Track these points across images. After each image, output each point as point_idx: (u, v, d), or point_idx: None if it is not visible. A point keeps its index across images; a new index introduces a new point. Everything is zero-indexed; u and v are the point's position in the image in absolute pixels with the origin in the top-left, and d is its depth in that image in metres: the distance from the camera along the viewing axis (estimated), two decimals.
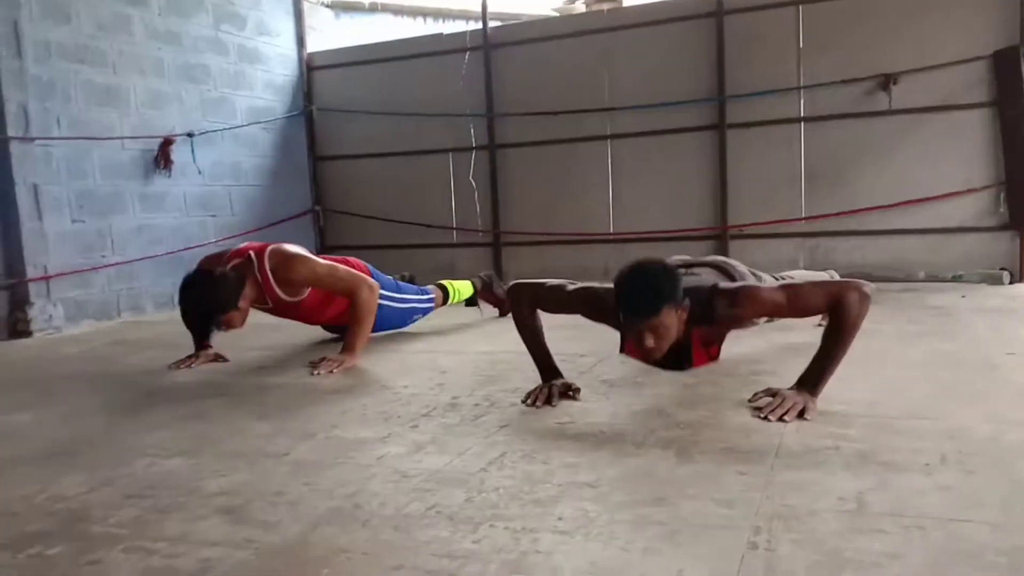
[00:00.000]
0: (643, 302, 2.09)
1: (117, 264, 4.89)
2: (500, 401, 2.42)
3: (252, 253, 3.14)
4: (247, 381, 2.94)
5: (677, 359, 2.34)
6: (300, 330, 4.05)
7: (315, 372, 2.97)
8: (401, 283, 3.77)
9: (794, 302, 2.22)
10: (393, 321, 3.69)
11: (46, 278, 4.45)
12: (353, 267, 3.48)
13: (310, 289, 3.22)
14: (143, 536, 1.52)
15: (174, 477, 1.86)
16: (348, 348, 3.10)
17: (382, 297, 3.53)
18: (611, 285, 2.20)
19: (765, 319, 2.85)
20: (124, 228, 4.95)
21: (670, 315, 2.10)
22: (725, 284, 2.31)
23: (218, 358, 3.29)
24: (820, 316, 3.36)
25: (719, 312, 2.22)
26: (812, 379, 2.15)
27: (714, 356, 2.54)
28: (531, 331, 2.51)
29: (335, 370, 2.98)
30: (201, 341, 3.30)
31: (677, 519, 1.47)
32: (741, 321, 2.42)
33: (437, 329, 3.90)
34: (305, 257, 3.18)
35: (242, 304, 3.05)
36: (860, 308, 2.10)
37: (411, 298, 3.74)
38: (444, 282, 4.05)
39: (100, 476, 1.89)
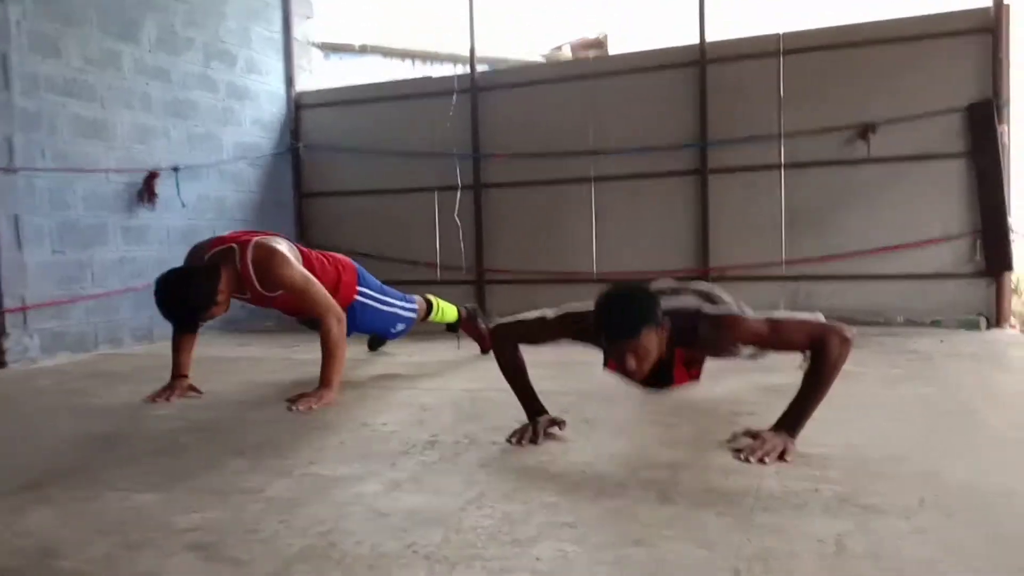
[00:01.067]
0: (623, 324, 2.10)
1: (97, 296, 4.84)
2: (480, 439, 2.40)
3: (236, 244, 3.12)
4: (224, 415, 2.90)
5: (658, 378, 2.34)
6: (279, 365, 4.02)
7: (293, 408, 2.94)
8: (386, 287, 3.75)
9: (775, 335, 2.23)
10: (375, 324, 3.65)
11: (23, 308, 4.40)
12: (341, 264, 3.51)
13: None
14: (113, 573, 1.49)
15: (146, 512, 1.83)
16: (324, 383, 3.07)
17: (366, 296, 3.55)
18: (591, 305, 2.21)
19: (747, 351, 2.85)
20: (105, 260, 4.92)
21: (650, 337, 2.11)
22: (709, 308, 2.32)
23: (193, 389, 3.25)
24: (802, 357, 3.39)
25: (701, 335, 2.24)
26: (791, 421, 2.15)
27: (695, 376, 2.54)
28: (515, 370, 2.49)
29: (314, 406, 2.95)
30: (185, 333, 3.28)
31: (657, 560, 1.46)
32: (722, 347, 2.41)
33: (418, 366, 3.88)
34: (286, 259, 3.13)
35: (220, 297, 3.03)
36: (840, 351, 2.12)
37: (395, 303, 3.72)
38: (431, 296, 4.03)
39: (70, 511, 1.85)
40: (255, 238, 3.16)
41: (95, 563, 1.54)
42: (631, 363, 2.12)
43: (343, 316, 3.19)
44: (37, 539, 1.68)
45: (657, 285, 2.56)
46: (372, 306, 3.58)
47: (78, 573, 1.49)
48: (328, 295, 3.20)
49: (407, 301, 3.81)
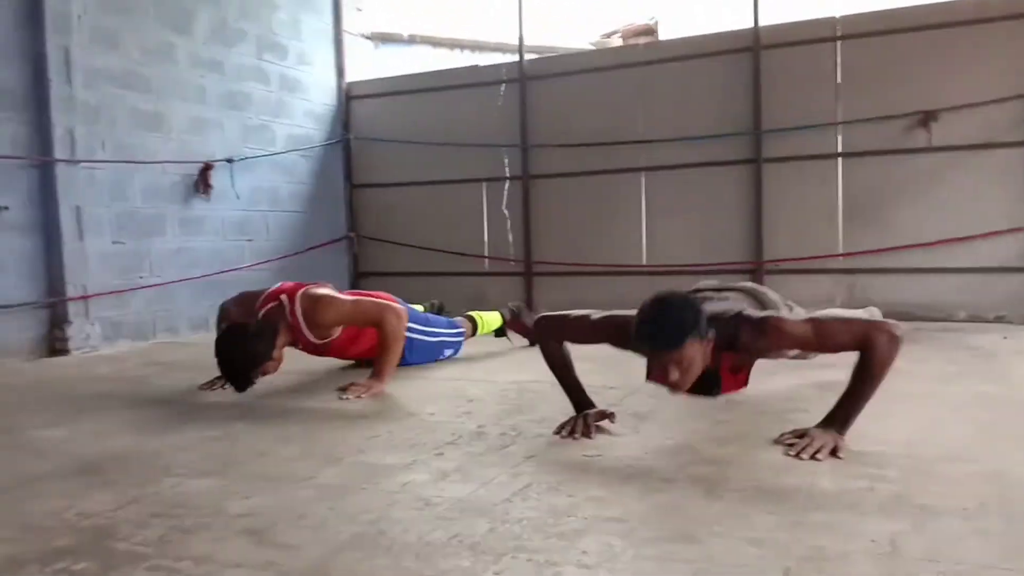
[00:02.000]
0: (665, 335, 2.05)
1: (155, 285, 4.97)
2: (527, 431, 2.40)
3: (284, 297, 3.18)
4: (275, 404, 2.96)
5: (705, 386, 2.29)
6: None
7: (343, 397, 2.98)
8: (430, 316, 3.79)
9: (820, 336, 2.18)
10: (423, 354, 3.69)
11: (85, 297, 4.53)
12: (386, 299, 3.49)
13: (340, 328, 3.27)
14: (167, 555, 1.53)
15: (200, 497, 1.87)
16: (377, 374, 3.11)
17: (411, 330, 3.54)
18: (635, 312, 2.18)
19: (793, 353, 2.80)
20: (163, 250, 5.04)
21: (694, 347, 2.06)
22: (751, 312, 2.27)
23: None
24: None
25: (743, 340, 2.19)
26: (839, 418, 2.10)
27: (742, 382, 2.49)
28: (560, 364, 2.48)
29: (363, 395, 2.99)
30: (240, 392, 3.32)
31: (705, 557, 1.44)
32: (765, 351, 2.37)
33: (466, 356, 3.90)
34: (332, 298, 3.22)
35: (276, 354, 3.06)
36: (889, 350, 2.06)
37: (440, 331, 3.77)
38: (473, 313, 4.07)
39: (127, 494, 1.90)
40: (302, 289, 3.22)
41: (150, 545, 1.58)
42: (674, 375, 2.08)
43: (402, 311, 3.25)
44: (94, 521, 1.73)
45: (703, 284, 2.51)
46: (419, 339, 3.63)
47: (133, 555, 1.53)
48: (379, 301, 3.28)
49: (452, 327, 3.86)
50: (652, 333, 2.07)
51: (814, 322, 2.20)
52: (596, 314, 2.42)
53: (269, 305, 3.20)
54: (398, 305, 3.29)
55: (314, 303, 3.16)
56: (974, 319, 4.86)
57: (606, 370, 3.13)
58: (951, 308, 4.94)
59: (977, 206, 4.85)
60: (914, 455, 2.03)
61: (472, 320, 4.01)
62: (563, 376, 2.48)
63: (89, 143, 4.57)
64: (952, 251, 4.92)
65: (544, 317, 2.53)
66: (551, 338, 2.48)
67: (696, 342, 2.06)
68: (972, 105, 4.78)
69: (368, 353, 3.40)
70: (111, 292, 4.70)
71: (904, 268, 5.04)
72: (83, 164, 4.52)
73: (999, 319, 4.80)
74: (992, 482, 1.80)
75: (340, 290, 3.48)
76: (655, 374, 2.13)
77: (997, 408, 2.57)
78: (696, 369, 2.11)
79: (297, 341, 3.22)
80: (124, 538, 1.62)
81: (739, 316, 2.21)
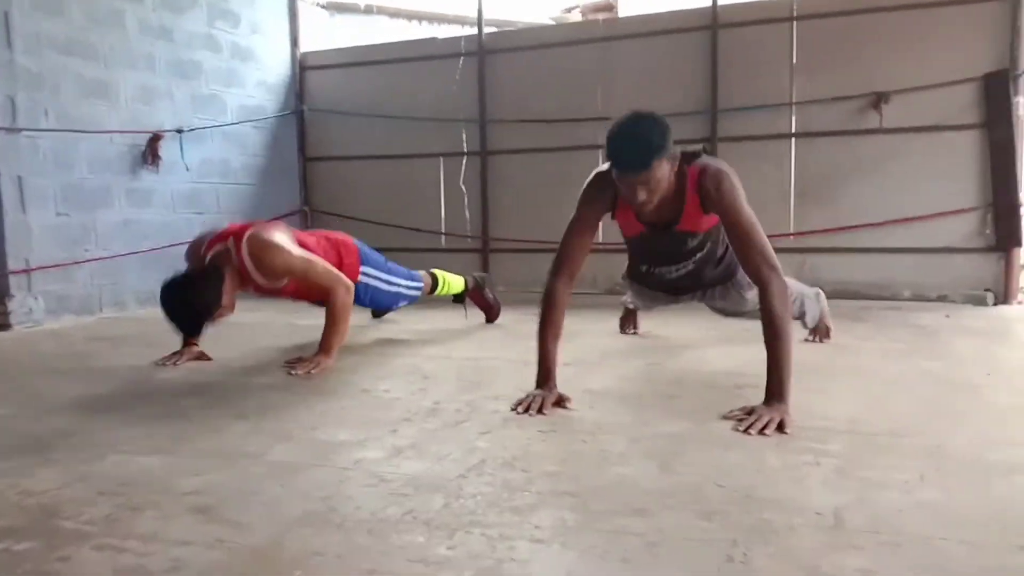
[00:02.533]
0: (635, 155, 2.13)
1: (101, 259, 4.84)
2: (482, 407, 2.41)
3: (230, 240, 3.08)
4: (228, 380, 2.92)
5: (668, 220, 2.41)
6: (285, 332, 4.03)
7: (291, 372, 2.95)
8: (391, 264, 3.73)
9: (745, 228, 2.26)
10: (379, 302, 3.67)
11: (27, 271, 4.40)
12: (343, 245, 3.47)
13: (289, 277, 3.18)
14: (114, 534, 1.50)
15: (148, 475, 1.84)
16: (324, 349, 3.08)
17: (371, 276, 3.53)
18: (600, 168, 2.33)
19: (752, 297, 2.81)
20: (109, 223, 4.91)
21: (661, 167, 2.15)
22: (714, 162, 2.37)
23: (202, 356, 3.26)
24: (807, 332, 3.39)
25: (701, 180, 2.31)
26: (776, 389, 2.16)
27: (702, 222, 2.52)
28: (553, 322, 2.41)
29: (312, 371, 2.96)
30: (188, 339, 3.27)
31: (656, 530, 1.46)
32: (711, 199, 2.36)
33: (422, 333, 3.89)
34: (280, 247, 3.08)
35: (225, 300, 3.01)
36: (783, 299, 2.17)
37: (400, 282, 3.71)
38: (436, 271, 4.02)
39: (73, 472, 1.86)
40: (248, 231, 3.10)
41: (97, 524, 1.55)
42: (641, 195, 2.18)
43: (351, 285, 3.19)
44: (40, 499, 1.69)
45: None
46: (375, 286, 3.57)
47: (80, 533, 1.50)
48: (332, 268, 3.19)
49: (412, 279, 3.79)
50: (622, 152, 2.15)
51: (750, 217, 2.28)
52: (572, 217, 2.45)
53: (216, 248, 3.10)
54: (348, 280, 3.21)
55: (262, 248, 3.04)
56: (918, 298, 4.99)
57: (563, 347, 3.15)
58: (897, 287, 5.07)
59: (924, 188, 4.97)
60: (857, 430, 2.09)
61: (434, 277, 3.97)
62: (546, 338, 2.41)
63: (31, 111, 4.40)
64: (899, 231, 5.03)
65: (551, 269, 2.47)
66: (565, 276, 2.42)
67: (663, 161, 2.16)
68: (923, 88, 4.88)
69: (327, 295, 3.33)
70: (55, 265, 4.56)
71: (852, 248, 5.15)
72: (25, 132, 4.37)
73: (942, 298, 4.95)
74: (931, 456, 1.86)
75: (298, 230, 3.41)
76: (625, 192, 2.23)
77: (938, 385, 2.65)
78: (662, 189, 2.21)
79: (247, 284, 3.13)
80: (69, 517, 1.59)
81: (704, 151, 2.38)
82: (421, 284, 3.83)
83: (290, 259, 3.09)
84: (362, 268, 3.50)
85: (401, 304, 3.78)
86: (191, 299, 2.94)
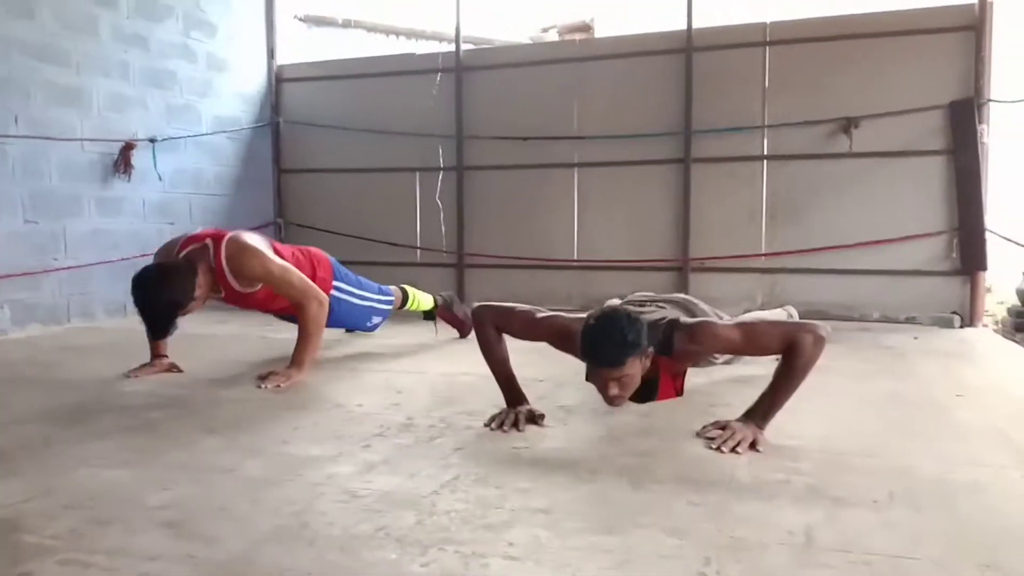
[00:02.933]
0: (609, 354, 2.14)
1: (70, 268, 4.77)
2: (456, 423, 2.40)
3: (209, 240, 3.06)
4: (198, 393, 2.88)
5: (644, 392, 2.38)
6: (257, 345, 3.99)
7: (262, 386, 2.92)
8: (363, 280, 3.72)
9: (750, 340, 2.27)
10: (352, 319, 3.65)
11: None
12: (316, 259, 3.46)
13: (262, 284, 3.15)
14: (80, 548, 1.47)
15: (116, 488, 1.81)
16: (296, 363, 3.05)
17: (343, 292, 3.52)
18: (581, 315, 2.29)
19: (724, 358, 2.91)
20: (79, 231, 4.84)
21: (635, 365, 2.17)
22: (685, 319, 2.35)
23: (172, 368, 3.22)
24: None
25: (677, 346, 2.29)
26: (760, 412, 2.18)
27: (679, 391, 2.58)
28: (496, 354, 2.49)
29: (282, 385, 2.93)
30: (159, 339, 3.22)
31: (628, 547, 1.47)
32: (699, 356, 2.46)
33: (395, 348, 3.87)
34: (260, 252, 3.08)
35: (198, 293, 2.97)
36: (814, 350, 2.15)
37: (371, 296, 3.71)
38: (406, 286, 4.02)
39: (38, 485, 1.83)
40: (229, 234, 3.10)
41: (62, 538, 1.52)
42: (614, 391, 2.19)
43: (324, 299, 3.17)
44: (3, 513, 1.65)
45: (636, 297, 2.57)
46: (348, 300, 3.56)
47: (42, 548, 1.47)
48: (307, 279, 3.18)
49: (383, 293, 3.79)
50: (596, 351, 2.16)
51: (743, 327, 2.29)
52: (541, 312, 2.46)
53: (192, 247, 3.06)
54: (323, 294, 3.20)
55: (241, 251, 3.04)
56: (886, 320, 5.07)
57: (535, 362, 3.15)
58: (865, 309, 5.14)
59: (893, 211, 5.06)
60: (828, 449, 2.11)
61: (404, 292, 3.96)
62: (498, 367, 2.49)
63: (1, 117, 4.34)
64: (868, 254, 5.12)
65: (486, 306, 2.54)
66: (491, 326, 2.49)
67: (637, 359, 2.17)
68: (892, 114, 4.98)
69: (289, 310, 3.30)
70: (23, 274, 4.48)
71: (822, 269, 5.22)
72: None
73: (910, 320, 5.03)
74: (900, 476, 1.88)
75: (274, 241, 3.39)
76: (597, 386, 2.23)
77: (906, 405, 2.69)
78: (635, 383, 2.23)
79: (219, 288, 3.09)
80: (33, 531, 1.56)
81: (673, 323, 2.31)
82: (393, 298, 3.83)
83: (269, 264, 3.07)
84: (334, 283, 3.49)
85: (375, 319, 3.77)
86: (164, 291, 2.89)
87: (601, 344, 2.14)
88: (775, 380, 2.18)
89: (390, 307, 3.81)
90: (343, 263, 3.74)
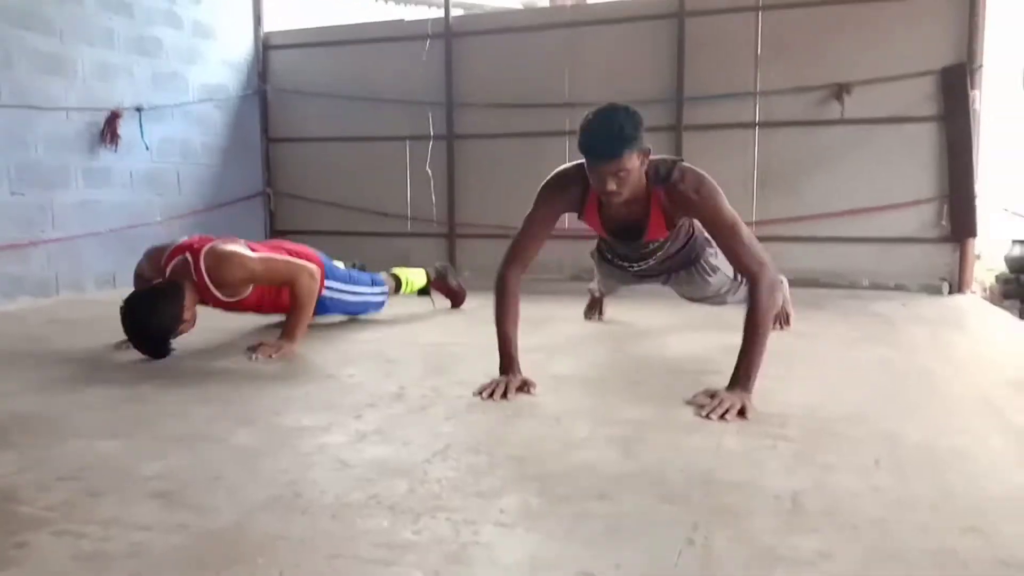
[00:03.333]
0: (607, 145, 2.16)
1: (58, 240, 4.74)
2: (447, 392, 2.41)
3: (188, 255, 2.99)
4: (187, 364, 2.88)
5: (634, 227, 2.45)
6: (248, 316, 3.98)
7: (252, 357, 2.92)
8: (354, 273, 3.71)
9: (730, 230, 2.29)
10: (346, 312, 3.67)
11: None
12: (305, 255, 3.41)
13: (251, 287, 3.11)
14: (73, 519, 1.48)
15: (108, 459, 1.81)
16: (287, 334, 3.04)
17: (335, 290, 3.49)
18: (563, 167, 2.39)
19: (718, 280, 2.89)
20: (66, 203, 4.80)
21: (632, 158, 2.19)
22: (694, 167, 2.37)
23: None
24: (776, 322, 3.45)
25: (676, 182, 2.31)
26: (742, 377, 2.20)
27: (669, 229, 2.57)
28: (509, 312, 2.44)
29: (273, 355, 2.93)
30: (158, 358, 3.21)
31: (618, 514, 1.48)
32: (685, 205, 2.38)
33: (387, 318, 3.87)
34: (237, 255, 3.02)
35: (187, 316, 2.94)
36: (772, 296, 2.23)
37: (364, 291, 3.70)
38: (397, 271, 4.01)
39: (30, 456, 1.83)
40: (207, 246, 3.02)
41: (55, 509, 1.52)
42: (612, 185, 2.20)
43: (315, 271, 3.14)
44: None
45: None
46: (340, 299, 3.55)
47: (37, 519, 1.48)
48: (291, 259, 3.14)
49: (376, 284, 3.77)
50: (594, 143, 2.18)
51: (740, 223, 2.31)
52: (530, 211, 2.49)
53: (175, 260, 3.02)
54: (312, 265, 3.17)
55: (219, 261, 2.97)
56: (876, 287, 5.10)
57: (528, 332, 3.16)
58: (855, 276, 5.17)
59: (883, 178, 5.06)
60: (815, 416, 2.13)
61: (396, 278, 3.96)
62: (504, 324, 2.44)
63: None
64: (858, 221, 5.13)
65: (503, 262, 2.50)
66: (517, 270, 2.47)
67: (634, 153, 2.18)
68: (884, 79, 4.96)
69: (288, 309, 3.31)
70: (10, 246, 4.45)
71: (813, 236, 5.24)
72: None
73: (899, 287, 5.06)
74: (886, 441, 1.91)
75: (258, 241, 3.37)
76: (595, 182, 2.25)
77: (893, 372, 2.72)
78: (632, 181, 2.24)
79: (206, 300, 3.08)
80: (27, 502, 1.56)
81: (679, 162, 2.36)
82: (386, 288, 3.83)
83: (249, 263, 3.02)
84: (326, 282, 3.45)
85: (370, 312, 3.77)
86: (154, 322, 2.86)
87: (599, 136, 2.16)
88: (744, 341, 2.22)
89: (385, 297, 3.81)
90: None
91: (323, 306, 3.43)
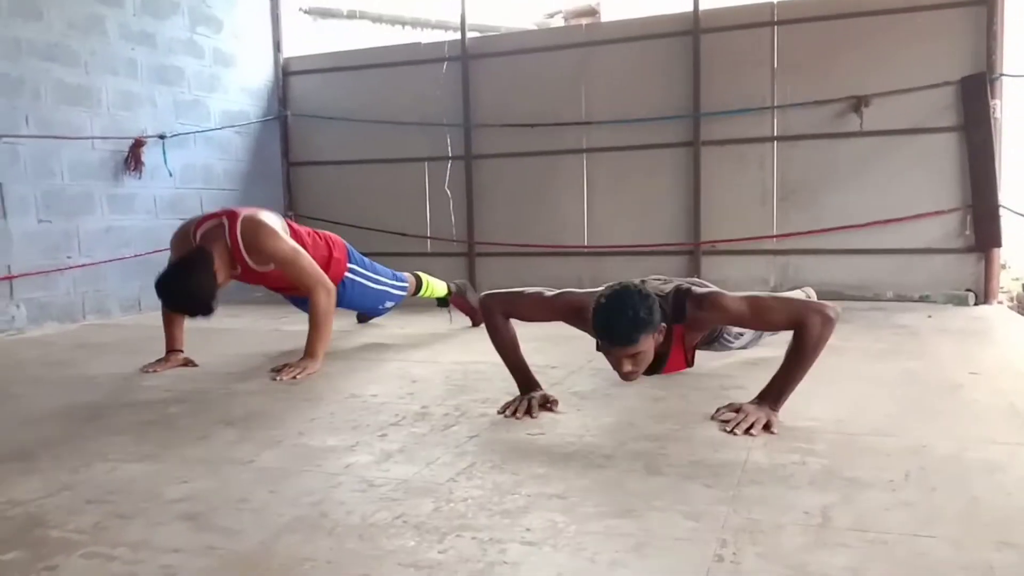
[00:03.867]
0: (622, 332, 2.14)
1: (83, 265, 4.81)
2: (471, 411, 2.41)
3: (225, 218, 3.10)
4: (214, 387, 2.90)
5: (653, 364, 2.38)
6: (271, 337, 4.01)
7: (277, 378, 2.94)
8: (377, 265, 3.77)
9: (757, 314, 2.28)
10: (365, 301, 3.69)
11: (9, 278, 4.36)
12: (332, 241, 3.51)
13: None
14: (102, 542, 1.49)
15: (136, 482, 1.83)
16: (309, 354, 3.08)
17: (357, 274, 3.58)
18: (593, 291, 2.31)
19: (739, 342, 2.91)
20: (92, 229, 4.87)
21: (647, 342, 2.17)
22: (696, 289, 2.35)
23: (188, 363, 3.25)
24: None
25: (688, 315, 2.31)
26: (773, 394, 2.18)
27: (689, 362, 2.59)
28: (505, 342, 2.49)
29: (297, 376, 2.95)
30: (173, 343, 3.26)
31: (644, 531, 1.47)
32: (708, 324, 2.44)
33: (409, 338, 3.88)
34: (275, 231, 3.12)
35: (221, 277, 3.02)
36: (823, 331, 2.14)
37: (385, 281, 3.74)
38: (420, 273, 4.04)
39: (59, 481, 1.85)
40: (244, 212, 3.14)
41: (84, 533, 1.54)
42: (627, 367, 2.20)
43: (332, 288, 3.18)
44: (26, 508, 1.68)
45: (651, 278, 2.58)
46: (361, 283, 3.60)
47: (66, 542, 1.49)
48: (317, 267, 3.19)
49: (397, 279, 3.82)
50: (609, 330, 2.16)
51: (752, 300, 2.29)
52: (549, 292, 2.47)
53: (206, 225, 3.11)
54: (331, 283, 3.20)
55: (256, 227, 3.07)
56: (900, 298, 5.04)
57: (548, 349, 3.16)
58: (879, 288, 5.11)
59: (904, 189, 5.02)
60: (843, 430, 2.11)
61: (418, 279, 3.98)
62: (509, 356, 2.49)
63: (11, 117, 4.37)
64: (880, 233, 5.09)
65: (491, 294, 2.54)
66: (498, 314, 2.49)
67: (649, 336, 2.17)
68: (902, 91, 4.93)
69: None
70: (37, 272, 4.52)
71: (835, 249, 5.20)
72: (5, 139, 4.33)
73: (923, 299, 5.00)
74: (915, 455, 1.88)
75: (290, 221, 3.41)
76: (611, 363, 2.24)
77: (921, 384, 2.69)
78: (649, 357, 2.23)
79: (236, 264, 3.12)
80: (57, 526, 1.58)
81: (685, 290, 2.33)
82: (407, 284, 3.86)
83: (282, 244, 3.10)
84: (349, 265, 3.55)
85: (388, 304, 3.79)
86: (191, 289, 2.93)
87: (614, 323, 2.14)
88: (786, 361, 2.18)
89: (403, 292, 3.84)
90: None
91: (343, 288, 3.48)
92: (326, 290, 3.13)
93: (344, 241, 3.63)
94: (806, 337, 2.14)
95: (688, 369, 2.66)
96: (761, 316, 2.29)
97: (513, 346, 2.49)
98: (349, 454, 2.00)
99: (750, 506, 1.58)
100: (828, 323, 2.14)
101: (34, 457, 2.05)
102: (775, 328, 2.34)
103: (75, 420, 2.46)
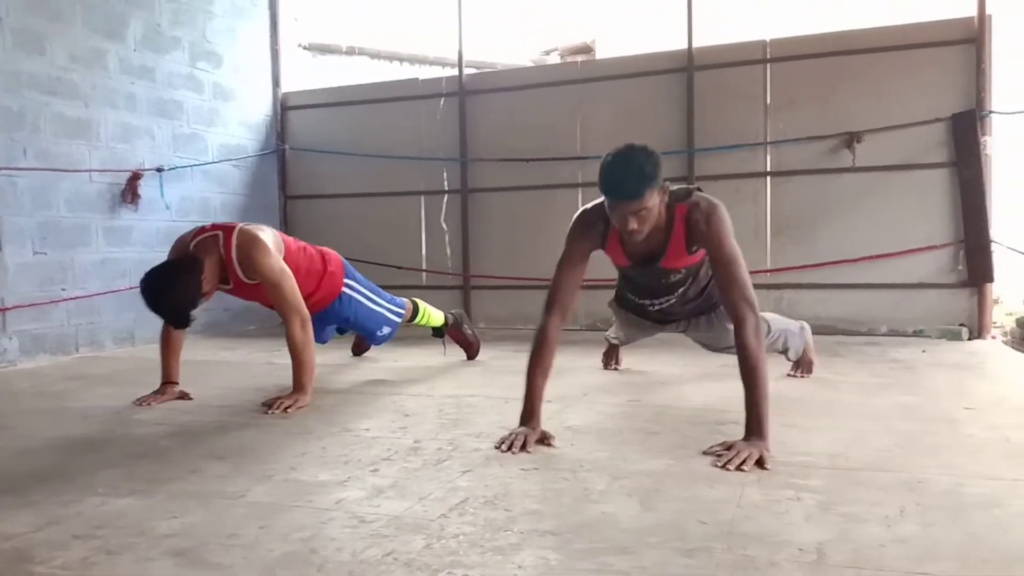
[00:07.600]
0: (628, 185, 2.21)
1: (78, 297, 4.80)
2: (463, 445, 2.40)
3: (220, 232, 3.11)
4: (206, 420, 2.88)
5: (653, 255, 2.50)
6: (263, 371, 3.99)
7: (269, 412, 2.92)
8: (375, 286, 3.77)
9: (732, 260, 2.33)
10: (361, 320, 3.64)
11: (3, 310, 4.35)
12: (326, 255, 3.52)
13: None
14: None
15: (125, 517, 1.81)
16: (298, 387, 3.06)
17: (354, 290, 3.57)
18: (585, 206, 2.46)
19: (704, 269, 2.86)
20: (87, 261, 4.88)
21: (652, 196, 2.23)
22: (710, 201, 2.42)
23: (183, 396, 3.23)
24: (790, 366, 3.43)
25: (692, 199, 2.39)
26: (755, 425, 2.18)
27: (685, 259, 2.60)
28: (541, 360, 2.42)
29: (289, 409, 2.94)
30: (169, 375, 3.24)
31: (639, 569, 1.46)
32: (699, 232, 2.42)
33: (402, 371, 3.87)
34: (267, 248, 3.11)
35: (206, 287, 3.01)
36: (758, 337, 2.23)
37: (383, 304, 3.73)
38: (417, 300, 4.03)
39: (47, 515, 1.83)
40: (241, 226, 3.15)
41: (71, 568, 1.52)
42: (632, 223, 2.24)
43: (308, 318, 3.14)
44: (12, 543, 1.65)
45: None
46: (359, 300, 3.60)
47: None
48: (299, 296, 3.14)
49: (395, 304, 3.81)
50: (615, 183, 2.24)
51: (738, 259, 2.34)
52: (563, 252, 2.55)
53: (202, 237, 3.12)
54: (307, 313, 3.15)
55: (251, 241, 3.07)
56: (894, 333, 5.05)
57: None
58: (873, 322, 5.13)
59: (897, 224, 5.06)
60: (838, 465, 2.10)
61: (414, 304, 3.97)
62: (535, 375, 2.42)
63: (10, 150, 4.39)
64: (874, 267, 5.11)
65: (545, 307, 2.51)
66: (547, 314, 2.47)
67: (654, 192, 2.23)
68: (894, 128, 5.00)
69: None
70: (31, 304, 4.52)
71: (829, 284, 5.22)
72: (3, 171, 4.35)
73: (917, 333, 5.01)
74: (911, 490, 1.87)
75: (283, 234, 3.40)
76: (616, 221, 2.30)
77: (916, 419, 2.68)
78: (652, 219, 2.29)
79: (227, 277, 3.12)
80: (43, 561, 1.56)
81: (697, 189, 2.45)
82: (404, 310, 3.85)
83: (271, 262, 3.09)
84: (346, 280, 3.54)
85: (385, 330, 3.76)
86: (170, 290, 2.92)
87: (620, 176, 2.21)
88: (746, 388, 2.22)
89: (400, 318, 3.83)
90: None
91: (340, 303, 3.47)
92: (301, 319, 3.10)
93: (341, 257, 3.63)
94: (745, 340, 2.21)
95: (679, 402, 2.64)
96: (730, 265, 2.33)
97: (544, 369, 2.44)
98: (340, 489, 1.98)
99: (745, 543, 1.57)
100: (760, 328, 2.26)
101: (24, 490, 2.03)
102: (726, 290, 2.32)
103: (66, 453, 2.43)
